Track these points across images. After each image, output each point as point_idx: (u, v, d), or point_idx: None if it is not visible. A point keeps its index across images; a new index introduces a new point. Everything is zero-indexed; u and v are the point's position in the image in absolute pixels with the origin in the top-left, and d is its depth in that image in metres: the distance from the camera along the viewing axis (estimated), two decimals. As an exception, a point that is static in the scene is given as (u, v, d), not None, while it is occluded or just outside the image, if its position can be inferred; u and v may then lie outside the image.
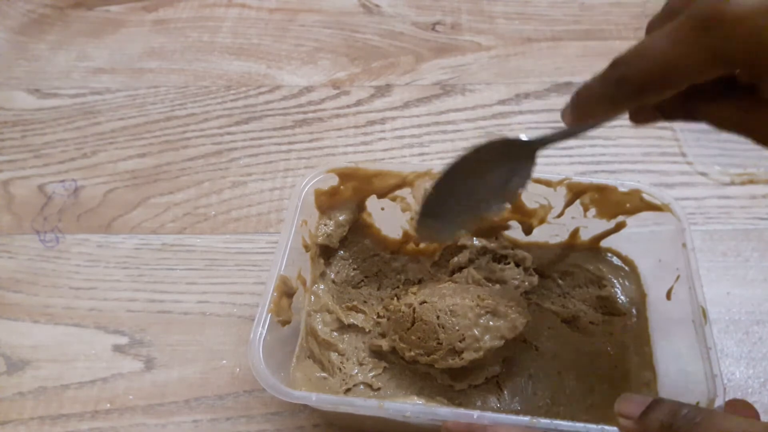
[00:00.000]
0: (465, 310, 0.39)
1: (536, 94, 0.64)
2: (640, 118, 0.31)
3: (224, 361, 0.46)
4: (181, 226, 0.54)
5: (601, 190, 0.43)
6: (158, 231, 0.54)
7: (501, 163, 0.33)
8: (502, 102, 0.63)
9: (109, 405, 0.44)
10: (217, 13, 0.75)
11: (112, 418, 0.43)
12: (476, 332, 0.38)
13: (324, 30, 0.72)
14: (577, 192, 0.44)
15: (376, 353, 0.43)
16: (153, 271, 0.51)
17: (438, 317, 0.39)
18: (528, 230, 0.47)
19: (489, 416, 0.32)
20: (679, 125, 0.59)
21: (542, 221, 0.46)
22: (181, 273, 0.51)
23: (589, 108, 0.31)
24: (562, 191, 0.44)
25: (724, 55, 0.25)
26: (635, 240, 0.45)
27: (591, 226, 0.45)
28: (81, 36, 0.72)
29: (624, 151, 0.58)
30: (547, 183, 0.44)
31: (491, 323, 0.39)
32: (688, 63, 0.25)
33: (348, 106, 0.64)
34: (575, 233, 0.46)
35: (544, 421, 0.32)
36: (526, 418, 0.32)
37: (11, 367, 0.46)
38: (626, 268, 0.46)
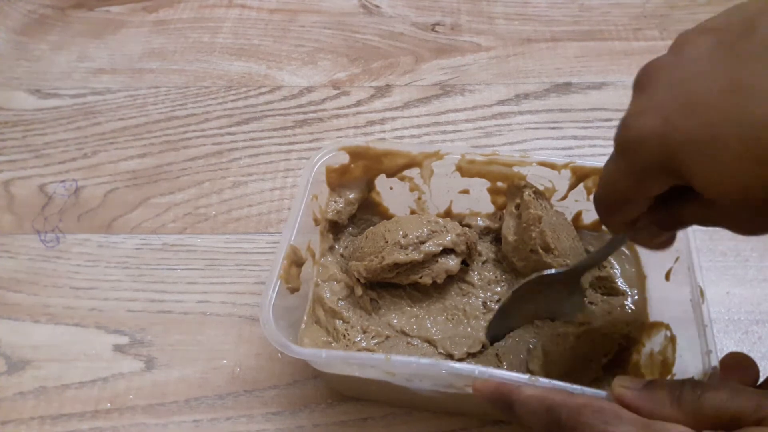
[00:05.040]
0: (411, 223, 0.44)
1: (535, 94, 0.64)
2: (644, 234, 0.34)
3: (224, 361, 0.46)
4: (181, 226, 0.54)
5: None
6: (159, 231, 0.54)
7: (549, 291, 0.42)
8: (501, 102, 0.63)
9: (109, 405, 0.44)
10: (217, 13, 0.75)
11: (112, 418, 0.43)
12: (417, 233, 0.42)
13: (324, 30, 0.73)
14: (581, 175, 0.44)
15: (357, 303, 0.44)
16: (153, 271, 0.51)
17: (386, 227, 0.44)
18: None
19: (489, 371, 0.33)
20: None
21: None
22: (181, 273, 0.51)
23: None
24: (567, 174, 0.44)
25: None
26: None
27: (594, 209, 0.46)
28: (82, 36, 0.72)
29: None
30: (552, 166, 0.44)
31: (434, 231, 0.43)
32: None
33: (348, 107, 0.64)
34: (578, 216, 0.47)
35: (544, 381, 0.32)
36: (525, 376, 0.32)
37: (12, 367, 0.46)
38: (627, 251, 0.46)
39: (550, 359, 0.40)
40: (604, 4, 0.74)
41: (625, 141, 0.27)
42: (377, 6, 0.75)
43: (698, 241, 0.40)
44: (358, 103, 0.64)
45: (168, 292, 0.50)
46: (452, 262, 0.43)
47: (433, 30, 0.72)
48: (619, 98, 0.62)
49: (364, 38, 0.71)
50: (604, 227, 0.47)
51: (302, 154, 0.59)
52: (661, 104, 0.26)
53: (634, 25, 0.71)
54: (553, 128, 0.61)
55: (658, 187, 0.28)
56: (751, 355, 0.45)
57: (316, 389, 0.44)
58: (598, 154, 0.58)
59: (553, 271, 0.41)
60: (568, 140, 0.60)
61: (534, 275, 0.42)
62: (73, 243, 0.53)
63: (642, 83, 0.27)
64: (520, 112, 0.62)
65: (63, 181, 0.58)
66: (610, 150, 0.62)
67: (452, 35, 0.71)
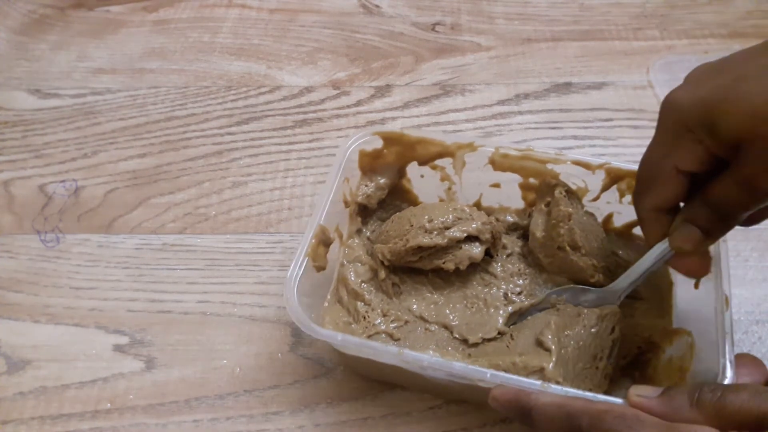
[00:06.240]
0: (437, 209, 0.44)
1: (536, 94, 0.64)
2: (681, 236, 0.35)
3: (224, 361, 0.46)
4: (181, 226, 0.54)
5: None
6: (159, 231, 0.54)
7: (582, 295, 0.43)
8: (501, 102, 0.63)
9: (109, 405, 0.44)
10: (217, 13, 0.75)
11: (112, 418, 0.43)
12: (442, 218, 0.43)
13: (324, 30, 0.73)
14: (615, 177, 0.44)
15: (379, 287, 0.45)
16: (153, 271, 0.51)
17: (412, 212, 0.44)
18: None
19: (502, 375, 0.33)
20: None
21: None
22: (181, 273, 0.51)
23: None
24: (601, 175, 0.44)
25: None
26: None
27: (625, 212, 0.46)
28: (81, 36, 0.72)
29: (624, 151, 0.58)
30: (587, 165, 0.44)
31: (460, 218, 0.43)
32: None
33: (348, 107, 0.64)
34: (609, 218, 0.47)
35: (556, 387, 0.32)
36: (537, 383, 0.33)
37: (12, 367, 0.46)
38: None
39: (563, 333, 0.40)
40: (604, 4, 0.74)
41: (663, 105, 0.32)
42: (377, 6, 0.75)
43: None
44: (358, 103, 0.64)
45: (168, 292, 0.50)
46: (476, 250, 0.43)
47: (433, 30, 0.72)
48: (619, 98, 0.62)
49: (364, 38, 0.71)
50: (635, 231, 0.46)
51: (302, 154, 0.59)
52: (695, 78, 0.32)
53: (634, 25, 0.71)
54: (553, 128, 0.61)
55: (688, 150, 0.31)
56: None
57: (316, 389, 0.44)
58: (598, 153, 0.58)
59: (591, 288, 0.42)
60: (568, 140, 0.60)
61: (571, 285, 0.42)
62: (73, 243, 0.53)
63: (686, 77, 0.33)
64: (520, 112, 0.62)
65: (63, 181, 0.58)
66: (610, 150, 0.62)
67: (452, 35, 0.71)
